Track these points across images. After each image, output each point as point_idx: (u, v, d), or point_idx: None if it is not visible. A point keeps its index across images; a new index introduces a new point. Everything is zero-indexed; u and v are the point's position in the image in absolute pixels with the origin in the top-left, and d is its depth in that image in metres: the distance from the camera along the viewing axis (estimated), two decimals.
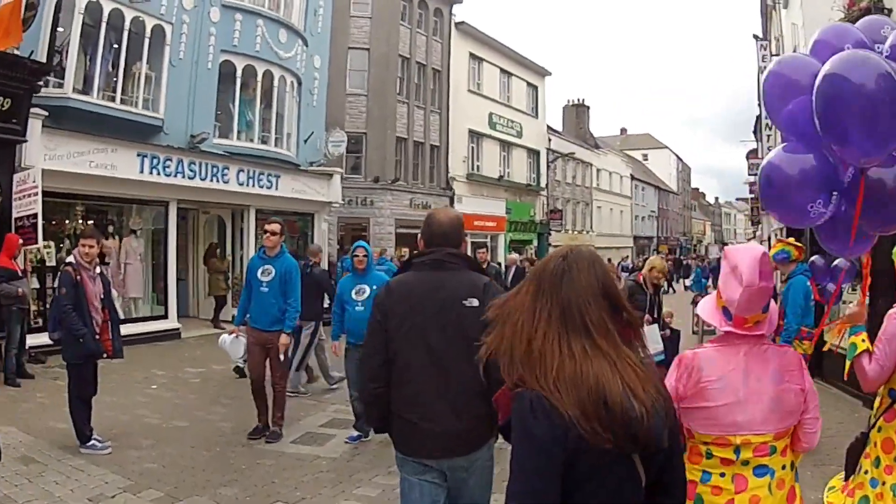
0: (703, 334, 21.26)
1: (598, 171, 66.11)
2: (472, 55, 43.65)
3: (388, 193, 35.45)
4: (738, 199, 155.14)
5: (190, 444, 9.28)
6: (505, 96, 47.65)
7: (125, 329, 16.36)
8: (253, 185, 21.93)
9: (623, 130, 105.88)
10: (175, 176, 19.15)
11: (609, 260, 43.70)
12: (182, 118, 20.33)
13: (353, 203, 33.71)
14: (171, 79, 19.88)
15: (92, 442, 8.54)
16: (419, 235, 4.59)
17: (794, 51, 19.33)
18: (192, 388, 13.07)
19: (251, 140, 23.13)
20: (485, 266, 16.57)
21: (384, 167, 35.40)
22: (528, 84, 50.93)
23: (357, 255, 9.61)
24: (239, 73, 22.42)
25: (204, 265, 22.23)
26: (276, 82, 23.84)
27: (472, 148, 43.63)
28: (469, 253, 19.62)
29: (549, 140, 53.80)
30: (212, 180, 20.36)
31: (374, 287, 9.09)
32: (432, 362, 3.92)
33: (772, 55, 25.32)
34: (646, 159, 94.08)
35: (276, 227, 9.64)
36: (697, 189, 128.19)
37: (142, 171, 18.19)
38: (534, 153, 51.31)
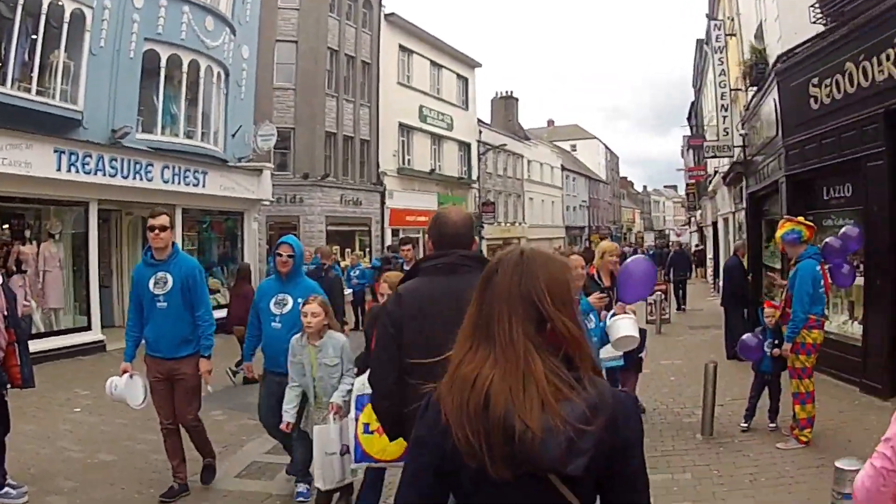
0: (661, 323, 21.05)
1: (528, 162, 66.19)
2: (401, 47, 43.13)
3: (318, 190, 34.72)
4: (665, 187, 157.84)
5: (119, 483, 8.11)
6: (435, 89, 47.23)
7: (46, 343, 15.68)
8: (179, 183, 20.98)
9: (550, 122, 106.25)
10: (95, 174, 18.06)
11: None
12: (103, 111, 19.27)
13: (283, 201, 32.95)
14: (91, 69, 18.76)
15: (5, 490, 7.20)
16: (426, 237, 4.38)
17: (760, 30, 19.15)
18: (119, 410, 11.68)
19: (176, 135, 22.16)
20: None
21: (313, 163, 34.63)
22: (458, 76, 50.59)
23: (280, 255, 7.59)
24: (163, 62, 21.41)
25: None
26: (202, 73, 22.91)
27: (403, 142, 43.13)
28: (396, 250, 19.03)
29: (480, 132, 53.60)
30: (135, 178, 19.36)
31: (300, 300, 7.29)
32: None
33: (726, 35, 25.12)
34: (574, 150, 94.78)
35: (163, 219, 7.30)
36: (626, 178, 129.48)
37: (59, 169, 17.02)
38: (465, 146, 51.01)
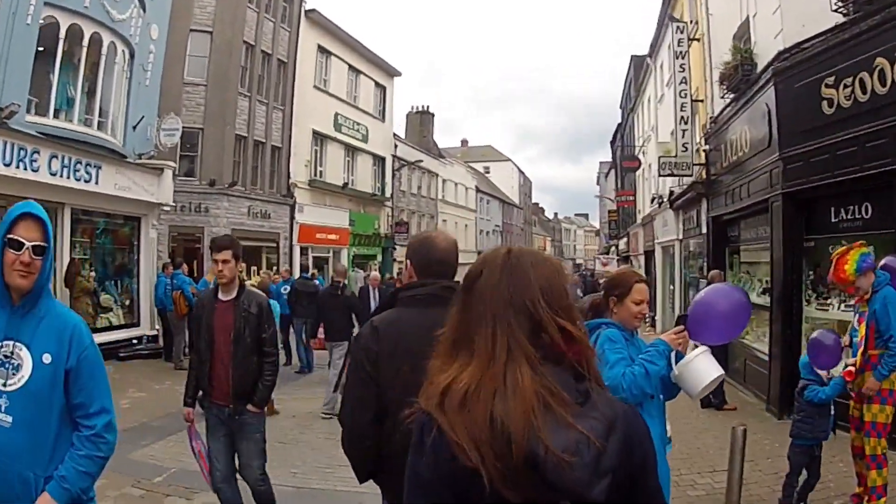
0: None
1: (443, 181, 64.26)
2: (320, 48, 40.72)
3: (225, 199, 31.96)
4: (577, 215, 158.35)
5: None
6: (352, 96, 44.92)
7: None
8: (68, 177, 18.05)
9: (464, 141, 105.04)
10: None
11: None
12: None
13: (187, 209, 30.22)
14: None
15: None
16: (407, 262, 4.02)
17: (745, 27, 17.07)
18: None
19: (70, 120, 19.18)
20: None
21: (221, 169, 31.89)
22: (377, 84, 48.38)
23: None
24: (62, 33, 18.47)
25: (66, 287, 18.13)
26: (104, 50, 20.00)
27: (316, 151, 40.73)
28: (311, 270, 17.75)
29: (396, 146, 51.37)
30: (18, 166, 16.45)
31: (45, 356, 3.48)
32: None
33: (689, 39, 23.21)
34: (488, 172, 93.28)
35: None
36: (537, 204, 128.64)
37: None
38: (379, 160, 48.77)
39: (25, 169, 16.61)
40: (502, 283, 2.08)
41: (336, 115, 42.23)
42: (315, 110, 39.51)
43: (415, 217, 56.29)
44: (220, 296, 6.75)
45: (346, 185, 43.30)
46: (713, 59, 20.00)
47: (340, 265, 17.11)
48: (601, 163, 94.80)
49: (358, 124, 44.90)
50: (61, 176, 17.80)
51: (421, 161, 54.96)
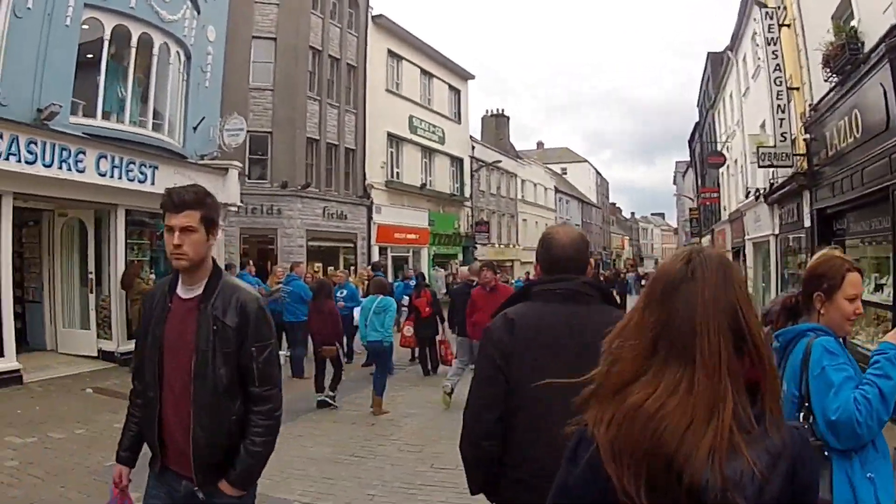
0: None
1: (522, 182, 62.30)
2: (390, 52, 39.41)
3: (298, 201, 30.81)
4: (653, 215, 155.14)
5: None
6: (426, 99, 43.52)
7: None
8: (120, 177, 16.81)
9: (540, 144, 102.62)
10: (7, 158, 14.04)
11: (528, 274, 40.72)
12: (27, 86, 15.17)
13: (258, 211, 29.35)
14: (12, 34, 14.65)
15: None
16: (535, 259, 3.74)
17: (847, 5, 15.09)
18: (5, 476, 8.48)
19: (122, 121, 18.03)
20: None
21: (293, 171, 30.77)
22: (450, 87, 46.95)
23: None
24: (107, 34, 17.34)
25: (123, 289, 17.02)
26: (156, 51, 18.80)
27: (392, 153, 39.36)
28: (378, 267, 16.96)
29: (473, 148, 49.78)
30: (60, 167, 15.20)
31: None
32: (563, 420, 2.21)
33: (779, 25, 21.22)
34: (565, 173, 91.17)
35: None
36: (615, 204, 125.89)
37: None
38: (457, 161, 47.22)
39: (70, 170, 15.38)
40: (720, 286, 1.83)
41: (411, 117, 40.96)
42: (389, 113, 38.30)
43: (495, 217, 54.69)
44: (180, 290, 3.87)
45: (423, 185, 42.04)
46: (808, 43, 18.24)
47: (474, 265, 16.09)
48: (677, 162, 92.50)
49: (434, 126, 43.58)
50: (112, 177, 16.55)
51: (499, 161, 53.28)
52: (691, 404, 1.70)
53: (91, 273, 17.41)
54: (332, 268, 30.64)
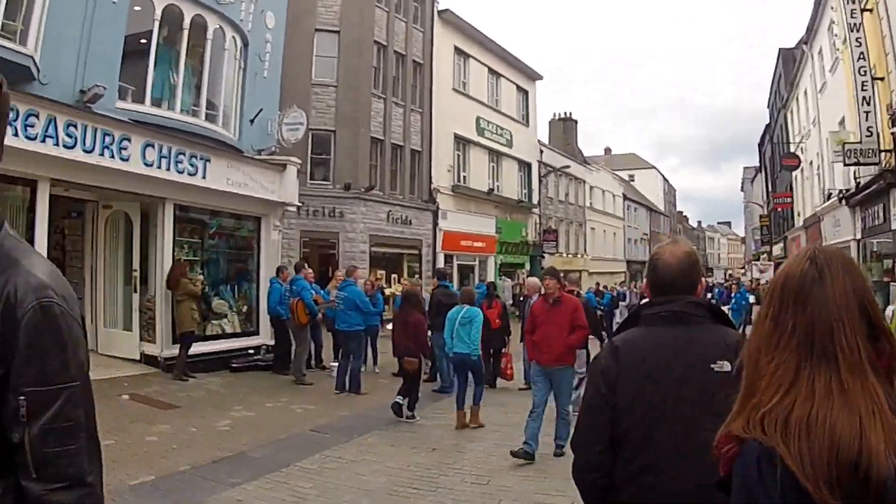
0: None
1: (591, 188, 60.08)
2: (457, 49, 37.78)
3: (362, 204, 29.28)
4: (719, 223, 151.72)
5: None
6: (493, 99, 41.76)
7: None
8: (168, 169, 15.30)
9: (608, 150, 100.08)
10: (44, 140, 12.59)
11: (598, 284, 39.06)
12: (69, 65, 13.87)
13: (320, 214, 28.01)
14: (54, 7, 13.32)
15: None
16: (644, 279, 4.20)
17: None
18: None
19: (172, 109, 16.54)
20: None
21: (357, 172, 29.27)
22: (518, 88, 45.03)
23: None
24: (157, 14, 15.96)
25: (168, 289, 15.51)
26: (210, 35, 17.32)
27: (458, 156, 37.69)
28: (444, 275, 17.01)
29: (542, 152, 47.80)
30: (102, 154, 13.75)
31: None
32: (674, 449, 2.86)
33: (861, 10, 19.49)
34: (632, 180, 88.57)
35: None
36: (682, 212, 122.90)
37: None
38: (525, 165, 45.31)
39: (112, 157, 13.93)
40: (848, 283, 1.83)
41: (478, 118, 39.25)
42: (455, 114, 36.64)
43: (563, 224, 52.58)
44: None
45: (491, 190, 40.23)
46: (893, 28, 16.90)
47: (573, 274, 15.91)
48: (745, 168, 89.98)
49: (501, 129, 41.74)
50: (159, 167, 15.07)
51: (568, 167, 51.23)
52: (849, 404, 1.67)
53: (135, 270, 15.97)
54: (394, 276, 29.13)
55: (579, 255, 55.72)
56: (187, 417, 11.80)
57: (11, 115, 11.62)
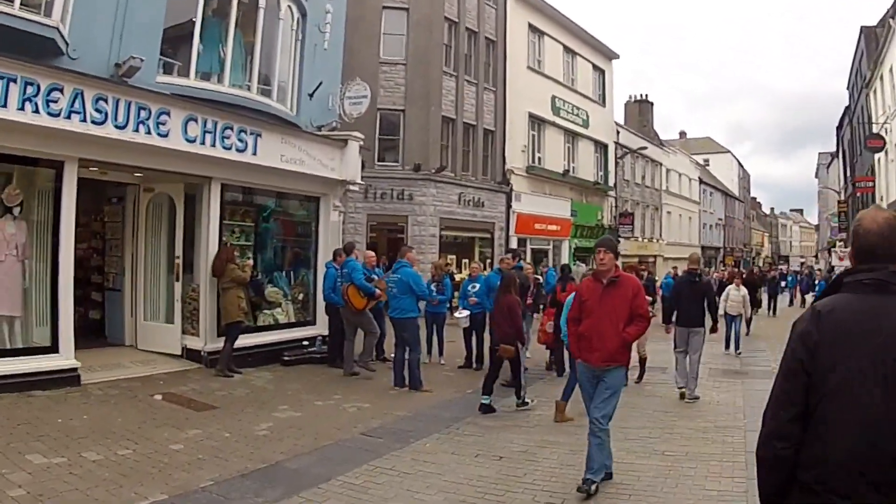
0: None
1: (667, 171, 57.37)
2: (531, 27, 35.57)
3: (432, 185, 27.47)
4: (791, 210, 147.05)
5: None
6: (569, 79, 39.48)
7: None
8: (213, 145, 13.49)
9: (682, 133, 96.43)
10: (68, 117, 10.92)
11: (676, 269, 36.78)
12: (103, 38, 12.20)
13: (388, 196, 26.44)
14: None
15: None
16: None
17: None
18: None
19: (221, 82, 14.69)
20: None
21: (427, 153, 27.48)
22: (595, 67, 42.70)
23: None
24: None
25: (213, 276, 13.73)
26: (263, 3, 15.39)
27: (533, 136, 35.50)
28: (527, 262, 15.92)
29: (618, 133, 45.39)
30: (137, 129, 11.99)
31: None
32: (867, 425, 2.69)
33: None
34: (707, 164, 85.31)
35: None
36: (755, 198, 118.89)
37: (7, 106, 10.12)
38: (601, 147, 43.03)
39: (149, 133, 12.16)
40: None
41: (553, 98, 37.07)
42: (530, 92, 34.50)
43: (639, 208, 50.09)
44: None
45: (566, 172, 38.08)
46: None
47: (695, 254, 14.12)
48: (820, 153, 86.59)
49: (577, 108, 39.52)
50: (203, 143, 13.27)
51: (645, 148, 48.84)
52: None
53: (178, 257, 14.24)
54: (466, 261, 27.34)
55: (655, 240, 53.22)
56: (223, 420, 10.10)
57: (31, 91, 10.38)
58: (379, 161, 26.56)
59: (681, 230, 60.79)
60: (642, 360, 14.00)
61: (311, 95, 17.21)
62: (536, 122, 35.67)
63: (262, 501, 6.90)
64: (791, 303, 40.63)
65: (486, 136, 31.48)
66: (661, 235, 54.70)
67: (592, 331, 7.51)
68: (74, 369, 11.45)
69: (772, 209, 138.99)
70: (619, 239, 42.78)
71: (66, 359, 11.42)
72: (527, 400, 11.58)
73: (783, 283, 41.58)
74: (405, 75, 27.56)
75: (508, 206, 32.39)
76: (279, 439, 9.26)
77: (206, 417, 10.24)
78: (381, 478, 7.81)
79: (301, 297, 16.62)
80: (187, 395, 11.38)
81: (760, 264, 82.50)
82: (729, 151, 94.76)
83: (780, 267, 65.85)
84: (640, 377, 13.92)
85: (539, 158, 35.83)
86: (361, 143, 17.67)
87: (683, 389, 12.33)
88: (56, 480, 7.01)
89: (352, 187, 17.96)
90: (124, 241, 14.85)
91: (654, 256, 50.99)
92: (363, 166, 24.30)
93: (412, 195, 26.87)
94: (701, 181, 68.91)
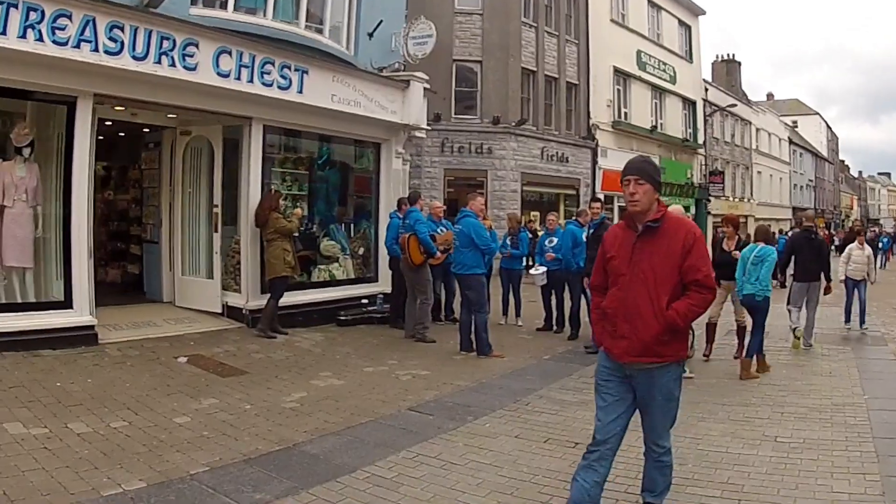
0: None
1: (757, 130, 53.21)
2: None
3: (512, 139, 25.04)
4: (879, 174, 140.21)
5: None
6: (654, 33, 36.37)
7: None
8: (251, 81, 11.30)
9: (770, 95, 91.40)
10: (77, 46, 9.03)
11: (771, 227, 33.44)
12: None
13: (465, 151, 24.14)
14: None
15: None
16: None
17: None
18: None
19: (263, 16, 12.42)
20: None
21: (506, 105, 25.04)
22: (681, 22, 39.38)
23: None
24: None
25: (256, 226, 11.69)
26: None
27: (619, 91, 32.58)
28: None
29: (706, 90, 42.01)
30: (159, 61, 9.94)
31: None
32: None
33: None
34: (795, 126, 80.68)
35: None
36: (843, 161, 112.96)
37: (18, 37, 8.50)
38: (689, 103, 39.75)
39: (173, 65, 10.12)
40: None
41: (639, 52, 34.11)
42: (614, 46, 31.65)
43: (729, 167, 46.41)
44: None
45: (654, 128, 35.13)
46: None
47: (810, 211, 12.14)
48: None
49: (664, 64, 36.44)
50: (238, 79, 11.11)
51: (734, 105, 45.06)
52: None
53: (216, 206, 12.19)
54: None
55: (745, 200, 49.41)
56: (249, 388, 8.16)
57: (35, 17, 8.78)
58: (455, 114, 24.48)
59: (771, 190, 56.71)
60: (709, 328, 10.88)
61: (370, 35, 14.86)
62: (622, 76, 32.81)
63: (258, 498, 5.05)
64: (884, 265, 37.25)
65: (570, 89, 28.84)
66: (751, 195, 50.94)
67: (619, 307, 4.51)
68: (91, 327, 9.71)
69: (860, 172, 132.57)
70: (710, 198, 39.87)
71: (80, 315, 9.65)
72: (685, 368, 9.00)
73: (879, 245, 38.36)
74: (481, 25, 25.13)
75: (594, 162, 29.81)
76: (308, 414, 7.29)
77: (229, 385, 8.31)
78: (419, 470, 5.79)
79: (361, 251, 14.50)
80: (217, 359, 9.52)
81: (850, 226, 78.24)
82: (817, 113, 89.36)
83: (873, 228, 61.79)
84: (709, 346, 10.92)
85: (625, 114, 33.02)
86: (426, 84, 15.26)
87: (798, 327, 11.64)
88: (24, 456, 5.54)
89: (417, 133, 15.72)
90: (161, 189, 13.01)
91: (746, 216, 47.60)
92: (438, 118, 22.08)
93: (491, 149, 24.57)
94: (791, 141, 64.41)
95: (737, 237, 11.05)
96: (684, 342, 4.62)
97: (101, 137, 10.53)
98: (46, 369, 8.25)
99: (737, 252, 10.33)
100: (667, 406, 4.56)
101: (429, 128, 16.60)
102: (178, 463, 5.65)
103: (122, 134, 13.46)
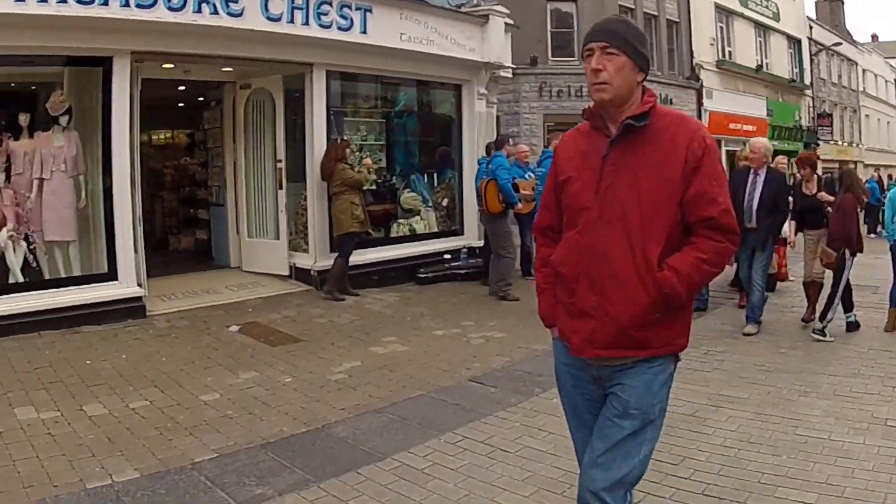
0: None
1: (863, 72, 48.76)
2: None
3: None
4: None
5: None
6: None
7: (30, 301, 8.01)
8: (306, 23, 9.79)
9: (874, 37, 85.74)
10: (105, 3, 7.86)
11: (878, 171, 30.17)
12: None
13: (564, 94, 22.21)
14: None
15: None
16: None
17: None
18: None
19: None
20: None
21: None
22: None
23: None
24: None
25: (322, 179, 10.25)
26: None
27: (721, 28, 29.72)
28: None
29: (811, 28, 38.50)
30: (199, 10, 8.60)
31: None
32: None
33: None
34: None
35: None
36: None
37: (38, 1, 7.45)
38: (794, 42, 36.24)
39: (215, 13, 8.80)
40: None
41: None
42: None
43: (836, 110, 42.42)
44: None
45: (759, 67, 32.04)
46: None
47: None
48: None
49: (767, 0, 33.22)
50: (291, 21, 9.65)
51: (840, 44, 41.33)
52: None
53: (280, 161, 10.81)
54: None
55: (854, 145, 45.45)
56: (297, 359, 7.17)
57: None
58: (553, 57, 22.51)
59: (879, 135, 51.97)
60: (811, 287, 9.06)
61: None
62: (724, 13, 29.90)
63: (258, 494, 4.23)
64: None
65: (670, 27, 26.36)
66: (860, 140, 46.98)
67: (579, 263, 2.66)
68: (138, 298, 8.71)
69: None
70: (818, 142, 36.73)
71: (126, 287, 8.63)
72: (825, 331, 7.85)
73: None
74: None
75: (699, 104, 27.23)
76: (352, 388, 6.28)
77: (276, 355, 7.18)
78: (459, 458, 4.73)
79: (445, 202, 12.80)
80: (273, 326, 8.37)
81: None
82: None
83: None
84: (810, 307, 8.93)
85: (729, 53, 30.15)
86: (508, 20, 13.32)
87: None
88: (22, 443, 4.90)
89: (502, 73, 13.80)
90: (224, 148, 11.68)
91: (855, 162, 43.93)
92: (535, 62, 20.18)
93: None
94: None
95: (815, 177, 9.29)
96: (686, 322, 2.71)
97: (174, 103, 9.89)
98: (82, 346, 7.40)
99: (823, 194, 8.94)
100: (638, 436, 2.62)
101: (511, 65, 14.50)
102: (185, 449, 4.88)
103: (198, 97, 12.36)
